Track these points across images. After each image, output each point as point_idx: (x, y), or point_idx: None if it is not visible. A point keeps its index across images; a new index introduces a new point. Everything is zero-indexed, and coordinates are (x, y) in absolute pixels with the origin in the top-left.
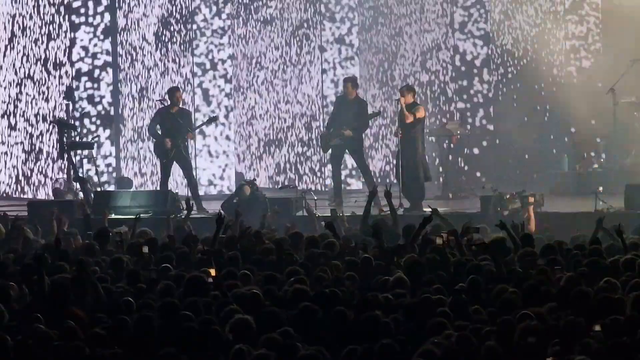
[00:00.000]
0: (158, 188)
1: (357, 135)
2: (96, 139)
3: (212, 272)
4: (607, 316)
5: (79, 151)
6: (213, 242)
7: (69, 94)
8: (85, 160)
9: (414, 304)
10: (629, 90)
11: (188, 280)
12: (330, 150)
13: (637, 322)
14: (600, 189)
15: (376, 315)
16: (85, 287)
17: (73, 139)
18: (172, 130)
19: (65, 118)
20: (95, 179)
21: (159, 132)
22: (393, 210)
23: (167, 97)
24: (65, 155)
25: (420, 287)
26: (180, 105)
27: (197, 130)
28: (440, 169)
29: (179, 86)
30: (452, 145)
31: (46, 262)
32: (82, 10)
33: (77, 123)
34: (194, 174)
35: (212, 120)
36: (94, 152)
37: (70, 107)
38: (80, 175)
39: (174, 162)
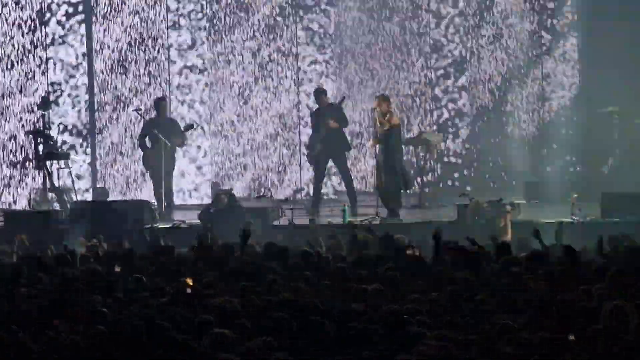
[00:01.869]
0: (151, 197)
1: (340, 137)
2: (72, 152)
3: (190, 282)
4: (584, 325)
5: (55, 161)
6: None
7: (44, 103)
8: (61, 171)
9: (392, 313)
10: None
11: (168, 290)
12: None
13: (613, 332)
14: (575, 195)
15: (355, 325)
16: (65, 297)
17: (49, 149)
18: (160, 140)
19: (41, 128)
20: (72, 189)
21: (148, 143)
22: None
23: (151, 108)
24: (42, 165)
25: (398, 297)
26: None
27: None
28: (417, 178)
29: (165, 96)
30: (428, 155)
31: (24, 273)
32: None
33: (53, 133)
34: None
35: (189, 127)
36: (70, 162)
37: (46, 117)
38: (57, 185)
39: (162, 170)
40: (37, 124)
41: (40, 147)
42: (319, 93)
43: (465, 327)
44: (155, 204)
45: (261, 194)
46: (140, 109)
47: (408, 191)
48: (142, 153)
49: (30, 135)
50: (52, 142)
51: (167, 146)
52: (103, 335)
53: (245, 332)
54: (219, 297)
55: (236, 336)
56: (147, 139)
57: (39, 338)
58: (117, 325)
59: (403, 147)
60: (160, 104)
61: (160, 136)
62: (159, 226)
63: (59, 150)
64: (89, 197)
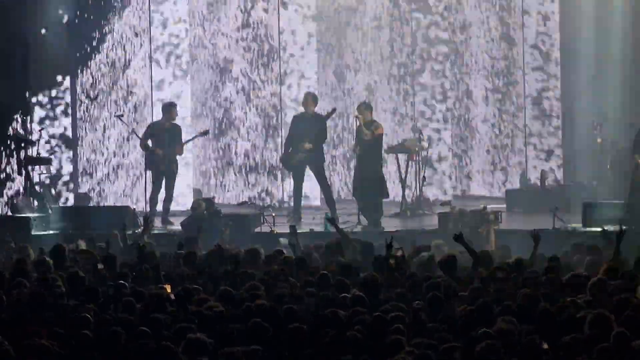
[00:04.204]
0: (148, 199)
1: (318, 150)
2: (56, 153)
3: (168, 288)
4: (565, 333)
5: (36, 167)
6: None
7: (27, 109)
8: (43, 176)
9: (372, 320)
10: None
11: (149, 296)
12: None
13: (595, 341)
14: (557, 207)
15: (335, 332)
16: (45, 303)
17: (31, 154)
18: (164, 145)
19: (23, 133)
20: (53, 194)
21: (151, 146)
22: (342, 234)
23: (161, 111)
24: (23, 171)
25: (378, 304)
26: (174, 121)
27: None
28: (399, 186)
29: (174, 102)
30: (410, 163)
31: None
32: None
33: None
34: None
35: (203, 134)
36: (52, 168)
37: (28, 123)
38: (38, 190)
39: (164, 174)
40: (18, 129)
41: (22, 152)
42: (309, 98)
43: (445, 335)
44: (146, 209)
45: (243, 200)
46: (122, 114)
47: (386, 199)
48: (145, 154)
49: (13, 140)
50: (34, 147)
51: (167, 152)
52: (83, 340)
53: (225, 338)
54: (201, 303)
55: (214, 342)
56: (149, 141)
57: (19, 343)
58: (97, 331)
59: (385, 155)
60: (169, 108)
61: (149, 147)
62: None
63: (40, 155)
64: (70, 202)
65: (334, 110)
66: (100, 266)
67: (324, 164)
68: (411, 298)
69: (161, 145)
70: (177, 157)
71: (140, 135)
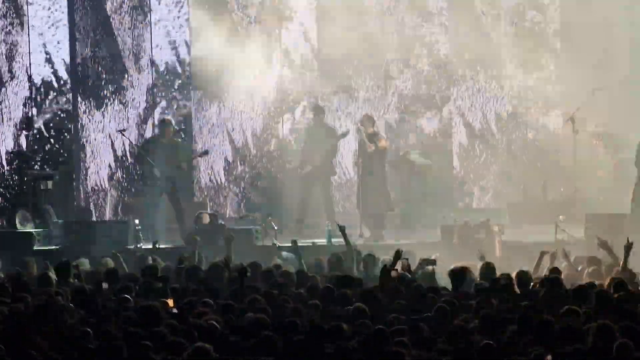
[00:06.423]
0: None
1: (327, 165)
2: (55, 173)
3: (170, 302)
4: (567, 345)
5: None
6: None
7: (27, 124)
8: (45, 192)
9: (373, 332)
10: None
11: (144, 309)
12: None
13: (598, 352)
14: (561, 217)
15: (337, 345)
16: (48, 317)
17: (33, 169)
18: (162, 161)
19: (25, 149)
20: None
21: (150, 161)
22: (348, 244)
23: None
24: (25, 187)
25: (380, 317)
26: (172, 137)
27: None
28: (401, 199)
29: (169, 119)
30: (413, 175)
31: (7, 292)
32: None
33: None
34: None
35: (204, 153)
36: (53, 182)
37: (30, 138)
38: (40, 205)
39: (163, 192)
40: (20, 145)
41: (25, 168)
42: (318, 112)
43: (447, 347)
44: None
45: (244, 214)
46: (125, 129)
47: (391, 212)
48: (142, 170)
49: (15, 156)
50: (35, 163)
51: (163, 169)
52: (84, 354)
53: (228, 351)
54: (203, 316)
55: (217, 355)
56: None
57: (21, 357)
58: (99, 345)
59: (387, 167)
60: (164, 125)
61: (152, 163)
62: (143, 246)
63: (42, 170)
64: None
65: (348, 132)
66: (104, 285)
67: (330, 179)
68: (414, 310)
69: (157, 162)
70: (178, 172)
71: (141, 150)
